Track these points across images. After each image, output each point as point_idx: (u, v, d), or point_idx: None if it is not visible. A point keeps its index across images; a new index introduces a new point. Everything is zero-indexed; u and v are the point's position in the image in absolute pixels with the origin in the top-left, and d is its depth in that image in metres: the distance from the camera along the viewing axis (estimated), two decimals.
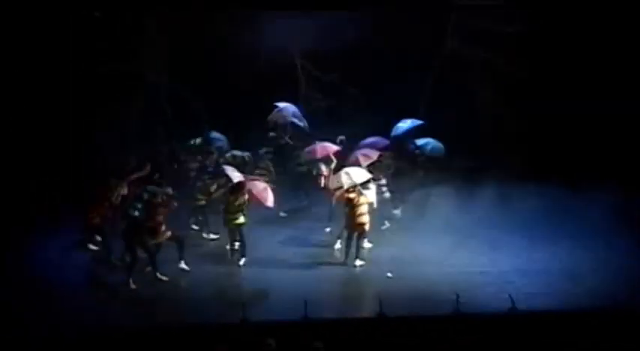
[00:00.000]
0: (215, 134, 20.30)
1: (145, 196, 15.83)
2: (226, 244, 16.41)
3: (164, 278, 15.34)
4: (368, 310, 13.59)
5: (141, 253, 15.32)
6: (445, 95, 21.62)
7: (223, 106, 20.78)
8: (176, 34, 21.12)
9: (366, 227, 15.79)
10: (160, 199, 15.60)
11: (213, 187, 17.02)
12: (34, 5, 18.76)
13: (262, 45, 21.53)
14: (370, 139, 19.28)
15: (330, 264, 16.09)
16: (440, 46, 21.89)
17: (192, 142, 19.80)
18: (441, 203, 18.69)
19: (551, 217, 17.92)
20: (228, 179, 16.27)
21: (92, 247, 16.46)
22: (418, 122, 20.20)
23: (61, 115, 19.77)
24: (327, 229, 17.35)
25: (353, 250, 15.87)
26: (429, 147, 20.33)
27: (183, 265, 15.70)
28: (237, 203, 15.83)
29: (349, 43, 21.24)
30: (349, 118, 20.72)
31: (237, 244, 16.11)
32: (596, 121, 20.13)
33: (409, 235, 16.52)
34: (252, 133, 20.03)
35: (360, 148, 18.80)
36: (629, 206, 17.92)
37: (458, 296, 13.42)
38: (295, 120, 20.24)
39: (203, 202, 17.28)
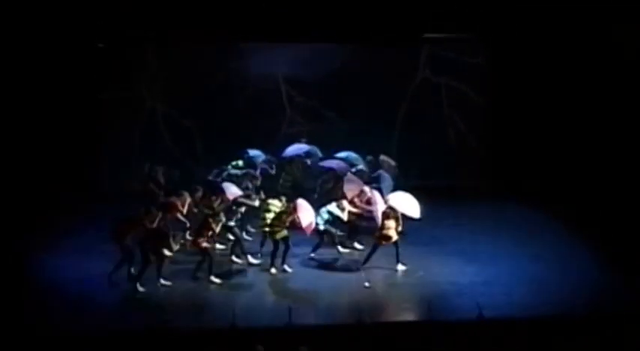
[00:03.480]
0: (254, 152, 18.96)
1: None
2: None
3: (167, 283, 15.21)
4: (348, 317, 13.55)
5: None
6: (418, 119, 21.92)
7: (215, 131, 21.13)
8: (172, 64, 21.34)
9: (391, 241, 15.78)
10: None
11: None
12: (45, 37, 18.96)
13: (250, 73, 21.72)
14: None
15: (314, 273, 16.06)
16: (413, 74, 22.17)
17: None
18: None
19: (515, 231, 18.15)
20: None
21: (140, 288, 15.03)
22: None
23: (65, 137, 19.88)
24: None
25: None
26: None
27: (212, 278, 15.44)
28: (286, 219, 15.83)
29: (330, 71, 21.45)
30: (328, 140, 20.78)
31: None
32: (556, 141, 20.46)
33: (385, 249, 16.51)
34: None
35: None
36: (586, 221, 18.21)
37: (430, 304, 13.55)
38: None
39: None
